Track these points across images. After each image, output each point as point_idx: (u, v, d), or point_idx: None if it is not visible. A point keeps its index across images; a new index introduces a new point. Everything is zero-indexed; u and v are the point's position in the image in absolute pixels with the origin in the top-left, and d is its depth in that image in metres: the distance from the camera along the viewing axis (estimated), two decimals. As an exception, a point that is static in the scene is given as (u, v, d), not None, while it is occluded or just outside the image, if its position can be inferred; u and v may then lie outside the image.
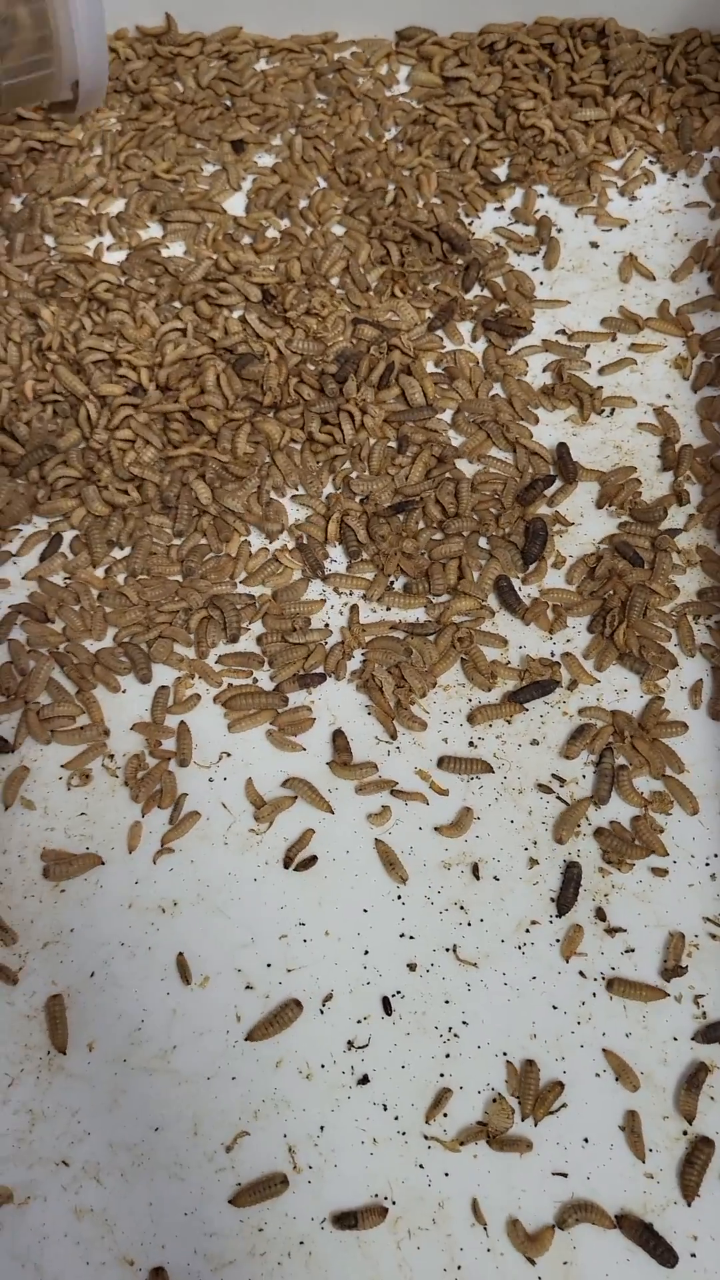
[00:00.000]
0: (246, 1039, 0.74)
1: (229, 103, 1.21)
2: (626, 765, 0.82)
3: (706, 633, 0.88)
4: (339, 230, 1.11)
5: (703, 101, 1.18)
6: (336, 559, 0.93)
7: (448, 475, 0.94)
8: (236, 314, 1.05)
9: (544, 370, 1.02)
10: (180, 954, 0.77)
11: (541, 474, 0.95)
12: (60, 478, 0.95)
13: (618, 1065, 0.73)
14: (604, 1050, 0.74)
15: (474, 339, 1.04)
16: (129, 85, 1.22)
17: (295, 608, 0.89)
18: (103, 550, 0.91)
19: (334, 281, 1.07)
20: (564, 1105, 0.72)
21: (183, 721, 0.85)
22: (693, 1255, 0.68)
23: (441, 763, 0.83)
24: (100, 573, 0.92)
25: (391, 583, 0.90)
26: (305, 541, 0.92)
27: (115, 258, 1.11)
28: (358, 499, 0.94)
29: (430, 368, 1.02)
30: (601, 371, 1.02)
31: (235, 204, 1.15)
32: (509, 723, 0.85)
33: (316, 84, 1.22)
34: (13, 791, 0.83)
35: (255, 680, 0.88)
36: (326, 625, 0.89)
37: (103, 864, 0.80)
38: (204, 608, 0.89)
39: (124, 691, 0.87)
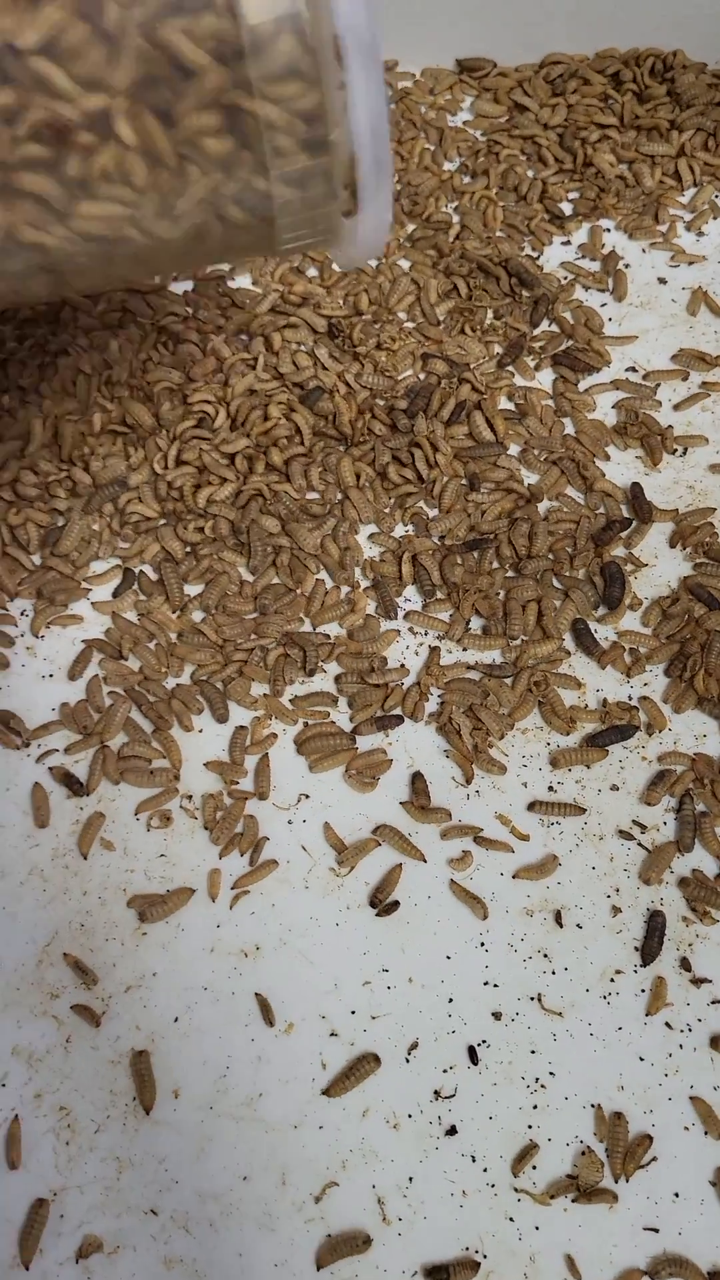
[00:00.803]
0: (324, 1094, 0.74)
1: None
2: (708, 812, 0.82)
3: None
4: (405, 263, 1.11)
5: (768, 135, 1.18)
6: (410, 598, 0.92)
7: (521, 515, 0.94)
8: (304, 347, 1.05)
9: (614, 408, 1.02)
10: (260, 994, 0.77)
11: (616, 514, 0.95)
12: (134, 514, 0.95)
13: (706, 1114, 0.73)
14: (691, 1098, 0.73)
15: (543, 375, 1.04)
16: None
17: (372, 647, 0.89)
18: (178, 591, 0.91)
19: (402, 315, 1.07)
20: (654, 1159, 0.72)
21: (265, 755, 0.85)
22: (787, 1315, 0.67)
23: (533, 806, 0.83)
24: (174, 612, 0.92)
25: (469, 624, 0.90)
26: (379, 580, 0.92)
27: (182, 288, 1.11)
28: (433, 537, 0.94)
29: (501, 403, 1.02)
30: (675, 410, 1.02)
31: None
32: (588, 768, 0.85)
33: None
34: (89, 839, 0.82)
35: (331, 720, 0.88)
36: (403, 665, 0.89)
37: (194, 893, 0.80)
38: (281, 645, 0.89)
39: (200, 731, 0.87)
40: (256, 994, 0.77)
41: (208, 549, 0.93)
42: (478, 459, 0.97)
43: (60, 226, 0.58)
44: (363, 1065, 0.74)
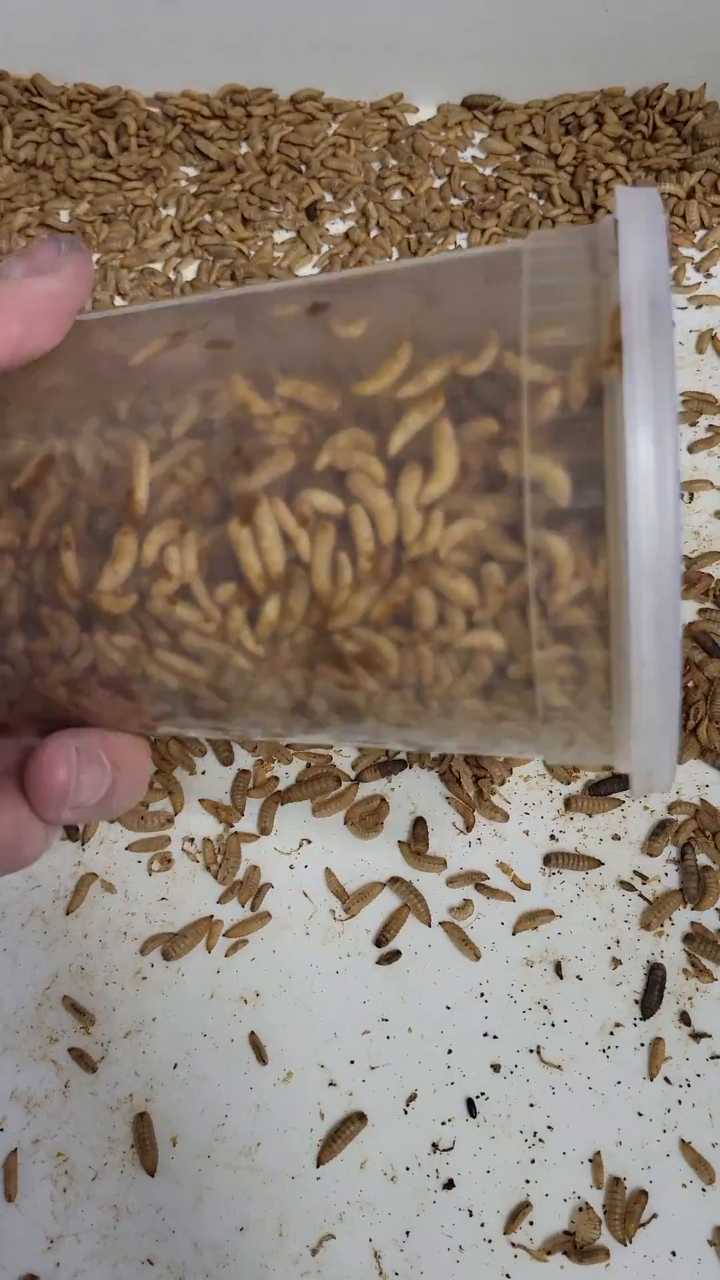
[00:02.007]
0: (317, 1164, 0.73)
1: (302, 167, 1.22)
2: (711, 866, 0.82)
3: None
4: (414, 300, 1.12)
5: (778, 175, 1.18)
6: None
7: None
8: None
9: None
10: (254, 1033, 0.78)
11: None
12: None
13: (695, 1161, 0.73)
14: (681, 1142, 0.73)
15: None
16: (198, 145, 1.22)
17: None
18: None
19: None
20: (654, 1216, 0.72)
21: (271, 796, 0.85)
22: None
23: (549, 860, 0.83)
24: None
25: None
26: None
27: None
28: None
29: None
30: (685, 453, 1.02)
31: (309, 271, 1.15)
32: (590, 816, 0.85)
33: (389, 149, 1.22)
34: (80, 897, 0.82)
35: (333, 763, 0.88)
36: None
37: (211, 921, 0.81)
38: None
39: (204, 773, 0.88)
40: (251, 1033, 0.77)
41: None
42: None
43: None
44: (349, 1126, 0.74)
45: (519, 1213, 0.72)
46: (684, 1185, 0.73)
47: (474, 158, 1.22)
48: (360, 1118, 0.74)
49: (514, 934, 0.81)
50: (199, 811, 0.86)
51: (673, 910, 0.81)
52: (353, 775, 0.87)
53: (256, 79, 1.25)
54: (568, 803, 0.85)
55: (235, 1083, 0.76)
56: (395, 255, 1.15)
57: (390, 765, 0.86)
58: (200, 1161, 0.74)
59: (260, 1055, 0.77)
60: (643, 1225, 0.71)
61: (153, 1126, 0.74)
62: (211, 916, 0.81)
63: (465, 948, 0.80)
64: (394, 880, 0.82)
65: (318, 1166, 0.73)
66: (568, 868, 0.83)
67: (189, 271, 1.15)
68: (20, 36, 1.23)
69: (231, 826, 0.85)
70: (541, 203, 1.18)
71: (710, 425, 1.04)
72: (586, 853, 0.83)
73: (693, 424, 1.04)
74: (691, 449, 1.02)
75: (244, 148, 1.22)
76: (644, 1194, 0.72)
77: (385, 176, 1.19)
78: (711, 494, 1.00)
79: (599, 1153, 0.73)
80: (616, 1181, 0.72)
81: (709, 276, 1.13)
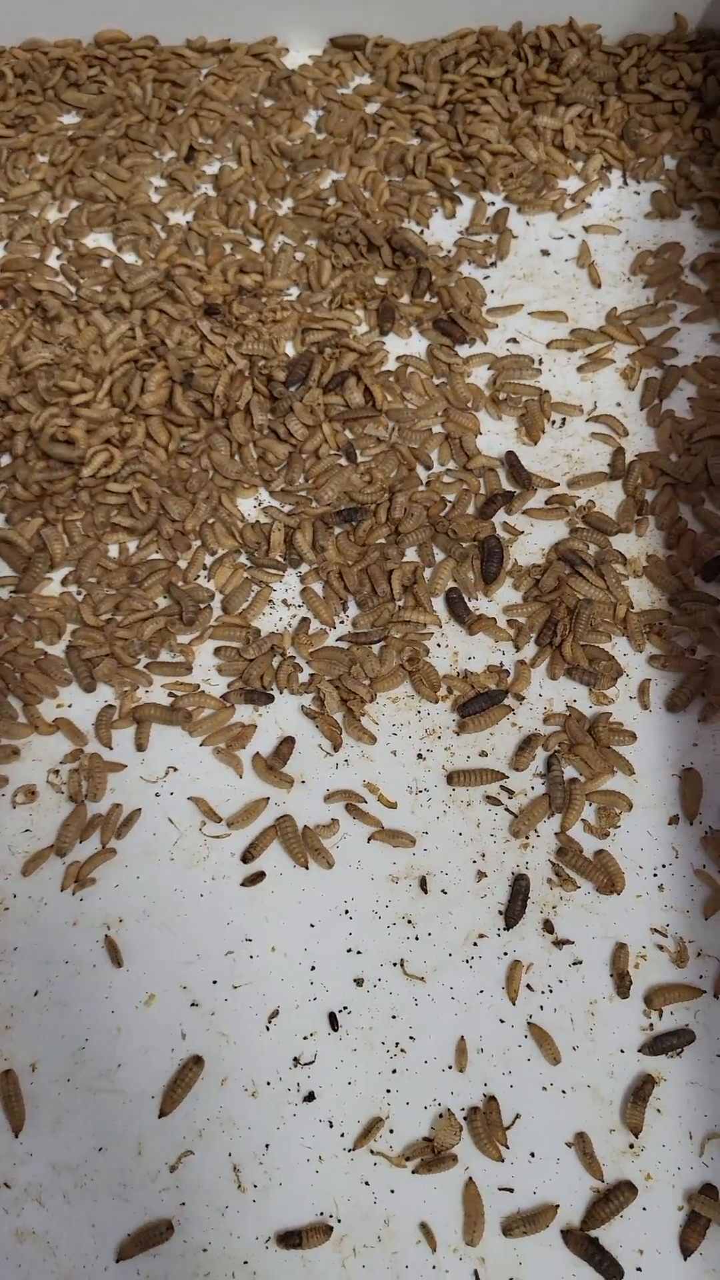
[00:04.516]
0: (159, 1116, 0.72)
1: (178, 109, 1.20)
2: (578, 778, 0.82)
3: (656, 640, 0.88)
4: (289, 238, 1.11)
5: (655, 110, 1.18)
6: (289, 572, 0.92)
7: (399, 484, 0.94)
8: (186, 321, 1.04)
9: (493, 378, 1.02)
10: (108, 934, 0.78)
11: (495, 484, 0.95)
12: (6, 497, 0.94)
13: (540, 1036, 0.73)
14: (529, 1024, 0.74)
15: (424, 345, 1.04)
16: (74, 90, 1.21)
17: (245, 619, 0.89)
18: (42, 571, 0.91)
19: (285, 288, 1.07)
20: (517, 1117, 0.72)
21: (143, 717, 0.84)
22: (639, 1269, 0.67)
23: (451, 779, 0.82)
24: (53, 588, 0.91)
25: (345, 603, 0.90)
26: (255, 553, 0.92)
27: (60, 262, 1.10)
28: (312, 505, 0.93)
29: (381, 370, 1.01)
30: (552, 379, 1.02)
31: (188, 212, 1.14)
32: (458, 735, 0.85)
33: (265, 90, 1.21)
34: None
35: (203, 690, 0.87)
36: (274, 635, 0.88)
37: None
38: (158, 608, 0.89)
39: (70, 705, 0.87)
40: (106, 937, 0.77)
41: (80, 526, 0.93)
42: (353, 423, 0.97)
43: None
44: (187, 1073, 0.73)
45: (380, 1122, 0.71)
46: (544, 1089, 0.73)
47: (351, 98, 1.21)
48: (197, 1060, 0.73)
49: (380, 848, 0.80)
50: (64, 741, 0.85)
51: (540, 820, 0.81)
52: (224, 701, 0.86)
53: (137, 28, 1.23)
54: (462, 726, 0.85)
55: (96, 1008, 0.76)
56: (272, 192, 1.14)
57: (256, 695, 0.86)
58: (60, 1085, 0.73)
59: (115, 958, 0.77)
60: (507, 1128, 0.71)
61: (19, 1085, 0.73)
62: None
63: (319, 856, 0.79)
64: (282, 820, 0.82)
65: (159, 1118, 0.72)
66: (468, 784, 0.82)
67: (63, 215, 1.13)
68: None
69: (99, 755, 0.84)
70: (418, 141, 1.18)
71: (584, 353, 1.04)
72: (455, 770, 0.83)
73: (571, 350, 1.04)
74: (554, 378, 1.02)
75: (122, 93, 1.21)
76: (493, 1099, 0.72)
77: (263, 115, 1.18)
78: (584, 418, 1.00)
79: (462, 1056, 0.73)
80: (492, 1101, 0.72)
81: (586, 208, 1.13)
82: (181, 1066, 0.73)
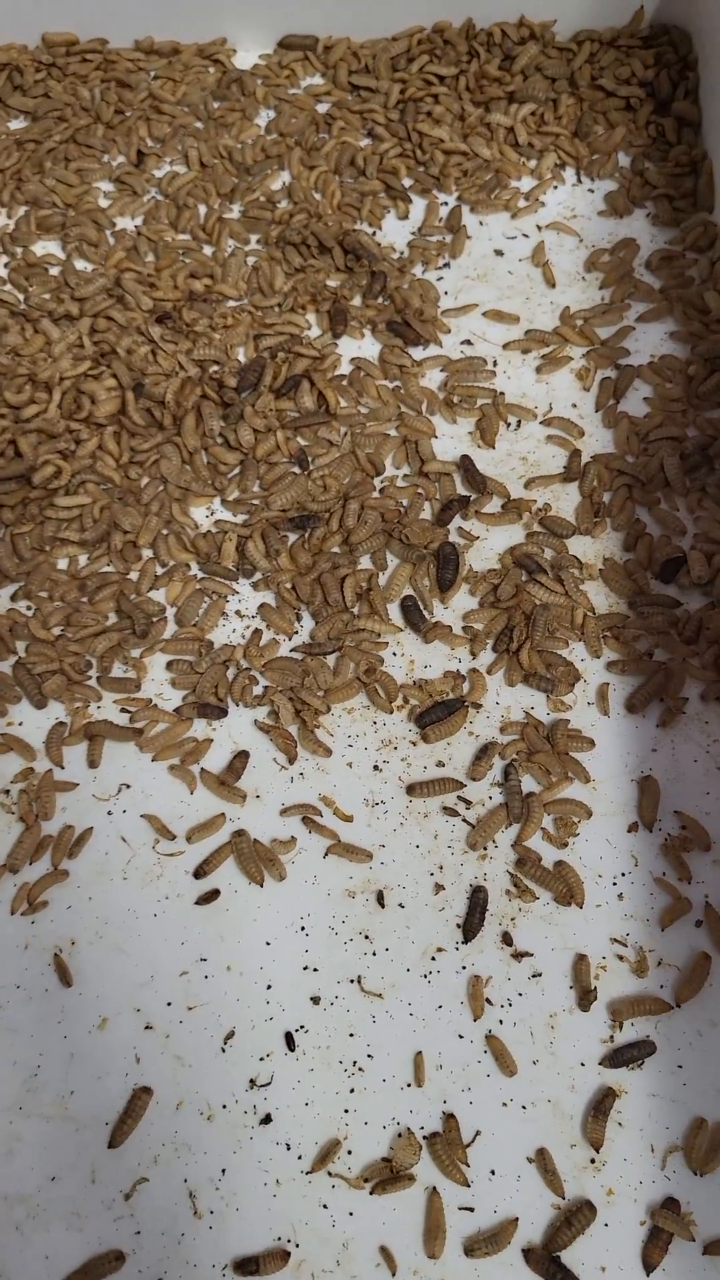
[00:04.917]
0: (110, 1147, 0.70)
1: (127, 113, 1.19)
2: (535, 792, 0.81)
3: (614, 644, 0.87)
4: (241, 242, 1.09)
5: (609, 106, 1.17)
6: (242, 582, 0.91)
7: (351, 490, 0.93)
8: (138, 330, 1.02)
9: (446, 381, 1.01)
10: (58, 954, 0.76)
11: (450, 489, 0.94)
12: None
13: (498, 1050, 0.72)
14: (487, 1038, 0.73)
15: (377, 348, 1.03)
16: (20, 94, 1.19)
17: (198, 632, 0.88)
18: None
19: (236, 292, 1.05)
20: (477, 1133, 0.71)
21: (95, 733, 0.83)
22: (600, 1287, 0.67)
23: (411, 790, 0.81)
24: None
25: (299, 613, 0.88)
26: (208, 564, 0.90)
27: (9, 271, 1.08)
28: (265, 513, 0.92)
29: (333, 374, 1.00)
30: (507, 381, 1.01)
31: (136, 217, 1.13)
32: (414, 745, 0.84)
33: (214, 92, 1.20)
34: None
35: (156, 705, 0.85)
36: (228, 648, 0.87)
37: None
38: (109, 622, 0.88)
39: (20, 724, 0.85)
40: (56, 956, 0.76)
41: (29, 539, 0.91)
42: (306, 429, 0.96)
43: None
44: (136, 1103, 0.71)
45: (338, 1143, 0.70)
46: (504, 1105, 0.72)
47: (302, 99, 1.19)
48: (146, 1091, 0.72)
49: (337, 864, 0.79)
50: (14, 760, 0.83)
51: (497, 830, 0.80)
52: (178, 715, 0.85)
53: (85, 30, 1.22)
54: (424, 737, 0.83)
55: (48, 1033, 0.74)
56: (223, 195, 1.12)
57: (209, 709, 0.84)
58: (11, 1113, 0.72)
59: (64, 978, 0.75)
60: (467, 1146, 0.70)
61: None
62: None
63: (272, 869, 0.78)
64: (238, 836, 0.80)
65: (109, 1148, 0.71)
66: (427, 795, 0.81)
67: (10, 222, 1.11)
68: None
69: (50, 773, 0.83)
70: (370, 141, 1.16)
71: (538, 354, 1.03)
72: (411, 782, 0.82)
73: (526, 351, 1.03)
74: (509, 380, 1.01)
75: (69, 97, 1.19)
76: (452, 1117, 0.71)
77: (213, 117, 1.17)
78: (539, 421, 0.99)
79: (420, 1072, 0.72)
80: (451, 1118, 0.71)
81: (540, 206, 1.12)
82: (131, 1097, 0.72)
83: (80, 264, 1.09)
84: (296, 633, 0.88)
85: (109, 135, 1.17)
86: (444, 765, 0.83)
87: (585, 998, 0.74)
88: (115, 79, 1.20)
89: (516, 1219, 0.68)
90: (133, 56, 1.21)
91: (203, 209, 1.12)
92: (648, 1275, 0.67)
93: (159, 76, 1.20)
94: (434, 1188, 0.69)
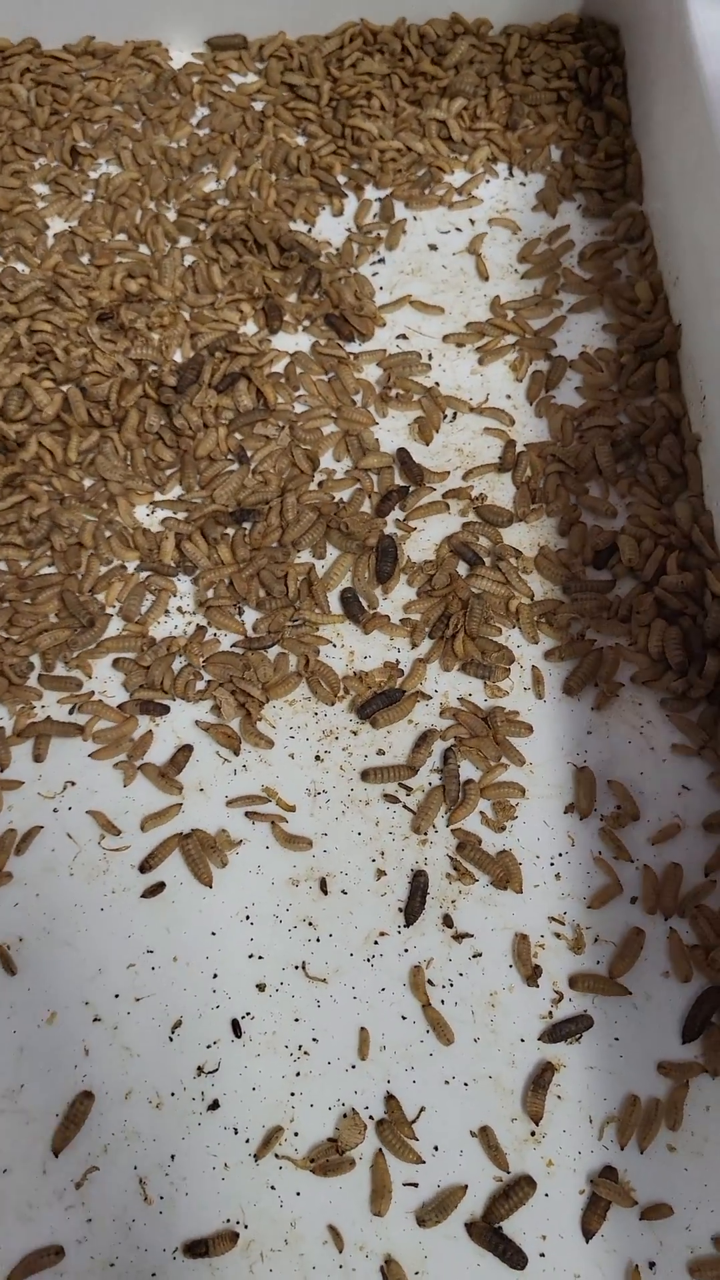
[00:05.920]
0: (52, 1150, 0.71)
1: (62, 114, 1.19)
2: (473, 779, 0.83)
3: (547, 630, 0.89)
4: (178, 240, 1.10)
5: (540, 100, 1.19)
6: (184, 578, 0.92)
7: (291, 485, 0.94)
8: (76, 330, 1.03)
9: (383, 375, 1.02)
10: (3, 949, 0.77)
11: (388, 481, 0.95)
12: None
13: (437, 1023, 0.74)
14: (424, 1007, 0.75)
15: (312, 342, 1.04)
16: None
17: (141, 628, 0.89)
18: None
19: (173, 291, 1.06)
20: (421, 1110, 0.72)
21: (39, 732, 0.84)
22: (541, 1255, 0.68)
23: (366, 775, 0.83)
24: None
25: (239, 608, 0.90)
26: (149, 561, 0.91)
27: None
28: (203, 509, 0.93)
29: (271, 370, 1.01)
30: (442, 373, 1.02)
31: (73, 219, 1.13)
32: (355, 735, 0.85)
33: (149, 92, 1.20)
34: None
35: (101, 701, 0.86)
36: (170, 640, 0.88)
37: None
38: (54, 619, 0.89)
39: (-35, 724, 0.86)
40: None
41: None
42: (245, 426, 0.97)
43: None
44: (78, 1108, 0.72)
45: (284, 1126, 0.72)
46: (446, 1083, 0.73)
47: (235, 97, 1.20)
48: (88, 1095, 0.73)
49: (281, 853, 0.81)
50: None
51: (437, 814, 0.81)
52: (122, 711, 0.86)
53: (15, 31, 1.22)
54: (374, 722, 0.85)
55: (-2, 1028, 0.75)
56: (159, 192, 1.13)
57: (151, 707, 0.85)
58: (-39, 1109, 0.73)
59: (7, 965, 0.76)
60: (413, 1123, 0.72)
61: None
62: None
63: (215, 856, 0.80)
64: (193, 833, 0.81)
65: (55, 1156, 0.72)
66: (381, 781, 0.82)
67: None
68: None
69: None
70: (304, 139, 1.17)
71: (473, 346, 1.04)
72: (352, 770, 0.83)
73: (460, 344, 1.04)
74: (444, 373, 1.03)
75: (2, 98, 1.19)
76: (392, 1097, 0.72)
77: (148, 116, 1.17)
78: (474, 412, 1.00)
79: (364, 1054, 0.74)
80: (391, 1099, 0.73)
81: (472, 201, 1.14)
82: (73, 1102, 0.73)
83: (18, 266, 1.09)
84: (243, 632, 0.89)
85: (45, 138, 1.17)
86: (384, 754, 0.85)
87: (533, 976, 0.76)
88: (49, 81, 1.20)
89: (466, 1186, 0.70)
90: (66, 58, 1.22)
91: (139, 209, 1.12)
92: (587, 1242, 0.69)
93: (93, 77, 1.21)
94: (380, 1149, 0.71)
